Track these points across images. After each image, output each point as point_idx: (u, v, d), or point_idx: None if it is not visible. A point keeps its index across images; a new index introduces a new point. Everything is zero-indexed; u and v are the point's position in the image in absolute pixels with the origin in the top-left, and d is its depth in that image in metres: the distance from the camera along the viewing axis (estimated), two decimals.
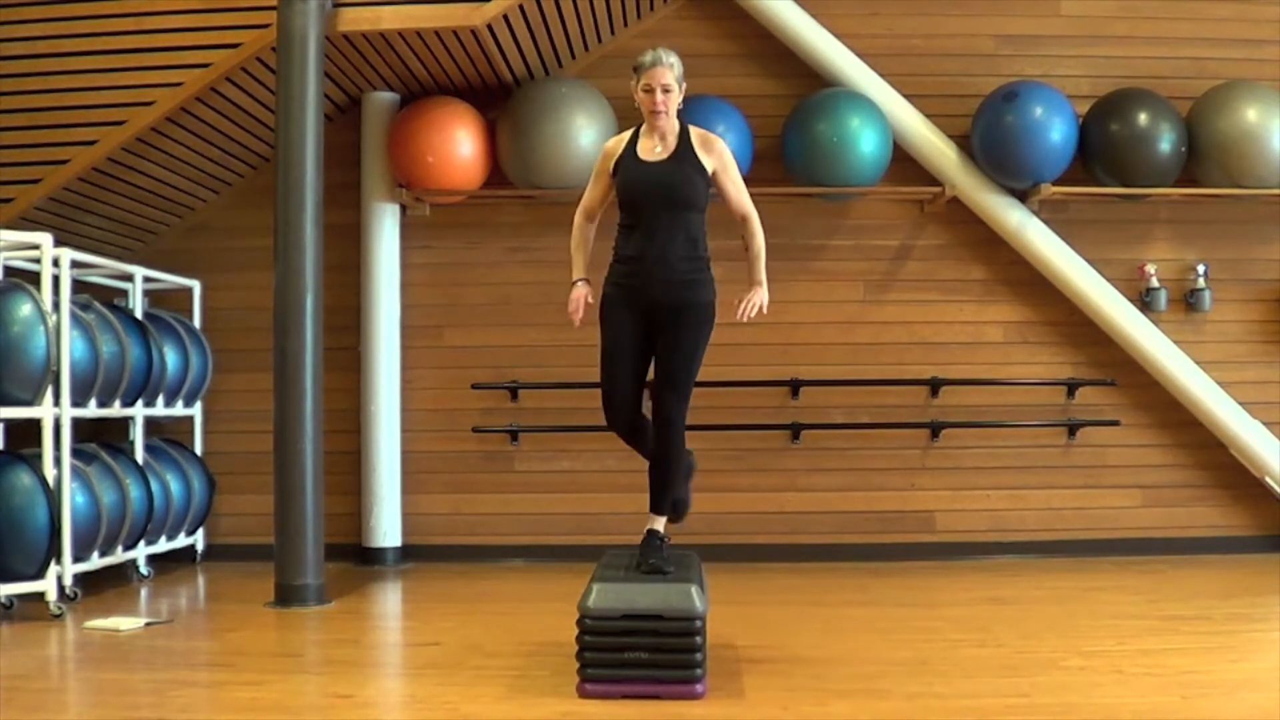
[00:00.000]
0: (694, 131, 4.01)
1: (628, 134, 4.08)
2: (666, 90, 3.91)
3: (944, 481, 6.69)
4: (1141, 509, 6.67)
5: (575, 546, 6.38)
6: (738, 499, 6.67)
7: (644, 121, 4.01)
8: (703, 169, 3.95)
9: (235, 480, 6.66)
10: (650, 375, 4.03)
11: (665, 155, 3.95)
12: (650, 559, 3.91)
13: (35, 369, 4.98)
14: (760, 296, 4.03)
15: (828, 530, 6.66)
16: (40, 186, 5.78)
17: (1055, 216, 6.58)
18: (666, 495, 4.01)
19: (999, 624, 4.82)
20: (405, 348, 6.71)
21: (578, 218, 4.16)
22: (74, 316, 5.32)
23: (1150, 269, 6.61)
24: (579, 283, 4.09)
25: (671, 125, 3.97)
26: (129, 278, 6.15)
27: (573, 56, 6.69)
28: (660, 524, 4.05)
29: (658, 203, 3.92)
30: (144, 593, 5.73)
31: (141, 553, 5.98)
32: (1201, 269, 6.61)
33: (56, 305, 5.15)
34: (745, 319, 3.99)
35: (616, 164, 4.01)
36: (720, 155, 4.00)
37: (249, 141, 6.44)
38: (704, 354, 4.03)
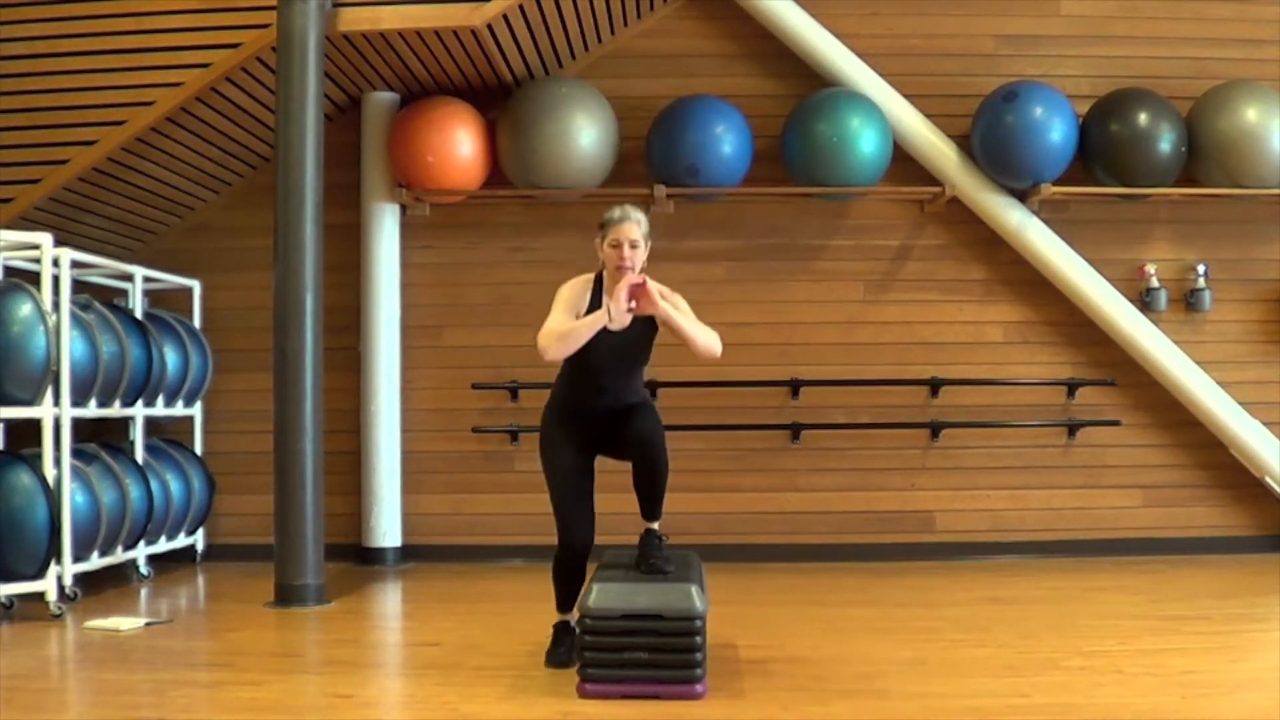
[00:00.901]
0: (653, 289, 3.86)
1: (589, 279, 4.01)
2: (634, 246, 3.90)
3: (944, 481, 6.69)
4: (1141, 509, 6.67)
5: None
6: (738, 499, 6.67)
7: (603, 272, 3.97)
8: (655, 326, 3.95)
9: (235, 480, 6.66)
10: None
11: (627, 323, 3.85)
12: (650, 559, 3.91)
13: (35, 369, 4.98)
14: (658, 290, 3.85)
15: (828, 530, 6.66)
16: (40, 186, 5.78)
17: (1055, 216, 6.58)
18: (658, 503, 3.99)
19: (999, 624, 4.82)
20: (405, 348, 6.71)
21: (545, 335, 3.86)
22: (74, 316, 5.32)
23: (1150, 269, 6.61)
24: (605, 308, 3.85)
25: (655, 288, 3.87)
26: (129, 278, 6.15)
27: (573, 56, 6.69)
28: (657, 524, 4.04)
29: (614, 367, 3.97)
30: (144, 593, 5.73)
31: (141, 553, 5.98)
32: (1201, 269, 6.61)
33: (56, 305, 5.15)
34: (633, 287, 3.80)
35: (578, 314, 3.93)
36: (678, 308, 3.93)
37: (249, 141, 6.44)
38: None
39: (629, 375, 4.04)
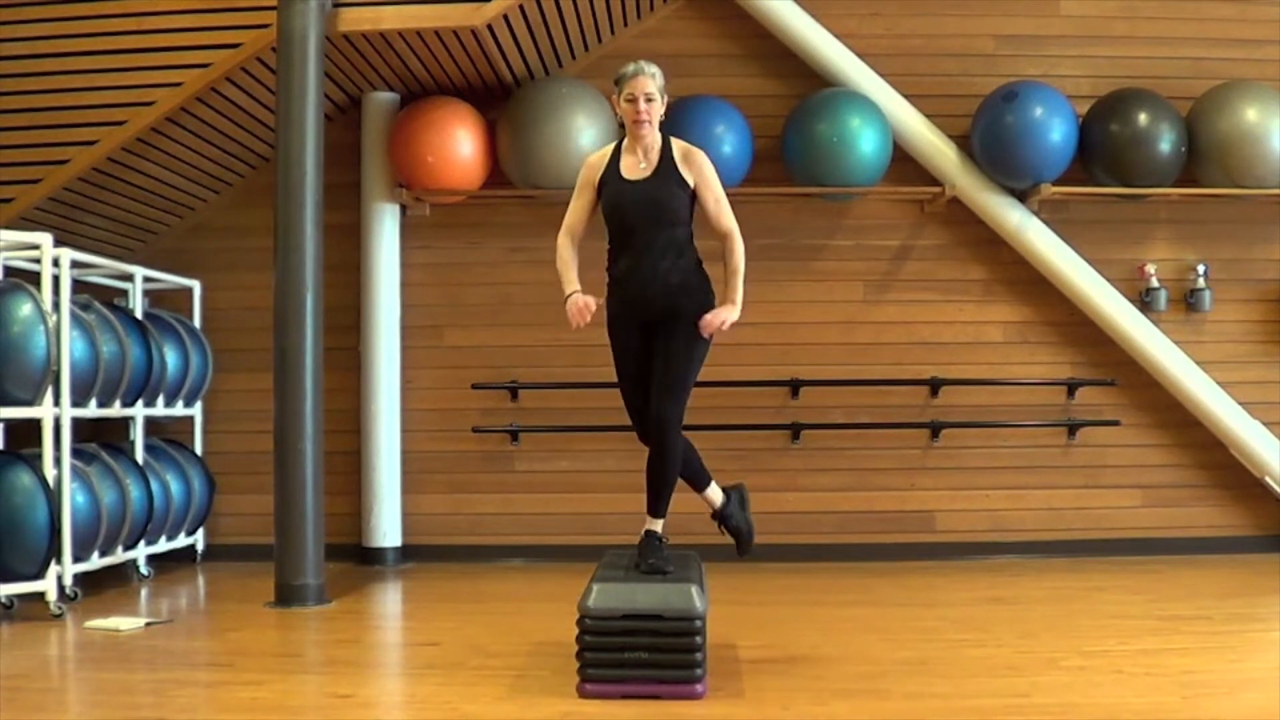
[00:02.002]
0: (675, 145, 4.00)
1: (609, 149, 4.05)
2: (649, 99, 3.90)
3: (944, 481, 6.69)
4: (1141, 509, 6.68)
5: (575, 546, 6.38)
6: None
7: (625, 137, 4.00)
8: (685, 183, 3.94)
9: (235, 480, 6.66)
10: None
11: (649, 171, 3.93)
12: (650, 559, 3.91)
13: (35, 369, 4.98)
14: (730, 314, 3.94)
15: (828, 530, 6.66)
16: (40, 186, 5.78)
17: (1055, 216, 6.58)
18: (663, 497, 4.00)
19: (999, 624, 4.82)
20: (405, 348, 6.71)
21: (561, 238, 4.07)
22: (74, 316, 5.32)
23: (1150, 269, 6.61)
24: (573, 295, 3.99)
25: (654, 138, 3.95)
26: (129, 278, 6.15)
27: (573, 56, 6.69)
28: (658, 525, 4.05)
29: (644, 221, 3.91)
30: (144, 593, 5.73)
31: (141, 553, 5.98)
32: (1201, 269, 6.61)
33: (56, 305, 5.15)
34: (707, 334, 3.94)
35: (600, 181, 3.99)
36: (700, 169, 3.96)
37: (249, 141, 6.44)
38: (702, 358, 4.03)
39: (662, 240, 3.90)
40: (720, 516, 4.26)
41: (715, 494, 4.24)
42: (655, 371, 3.97)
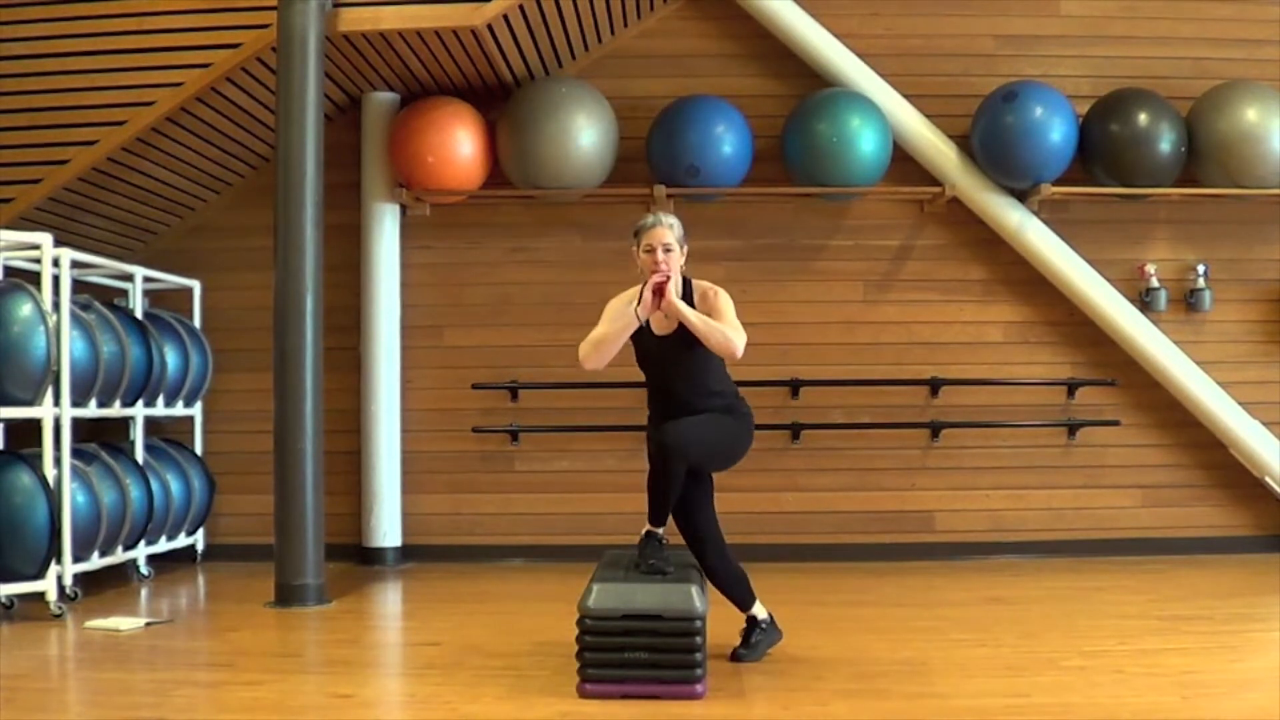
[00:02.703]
0: (696, 289, 4.05)
1: (631, 293, 4.04)
2: (668, 249, 3.94)
3: (944, 481, 6.69)
4: (1141, 509, 6.68)
5: (575, 546, 6.38)
6: (738, 499, 6.60)
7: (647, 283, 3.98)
8: None
9: (235, 480, 6.66)
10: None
11: (672, 326, 3.96)
12: (650, 559, 3.91)
13: (35, 369, 4.98)
14: (676, 298, 3.88)
15: (828, 530, 6.66)
16: (40, 186, 5.78)
17: (1055, 216, 6.58)
18: (662, 510, 3.97)
19: (999, 624, 4.82)
20: (405, 348, 6.71)
21: (584, 349, 3.97)
22: (74, 316, 5.32)
23: (1150, 269, 6.61)
24: (629, 317, 3.93)
25: (676, 286, 3.95)
26: (129, 278, 6.15)
27: (573, 56, 6.69)
28: (659, 527, 4.04)
29: (671, 373, 4.02)
30: (144, 593, 5.73)
31: (141, 553, 5.98)
32: (1201, 269, 6.61)
33: (56, 305, 5.15)
34: (654, 292, 3.86)
35: None
36: (715, 307, 3.99)
37: (249, 141, 6.44)
38: (722, 443, 4.05)
39: (692, 376, 4.01)
40: (753, 625, 4.21)
41: (760, 610, 4.23)
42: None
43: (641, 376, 4.15)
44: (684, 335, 3.95)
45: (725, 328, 3.91)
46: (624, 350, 4.06)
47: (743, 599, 4.18)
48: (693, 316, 3.88)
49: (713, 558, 4.08)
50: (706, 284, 4.09)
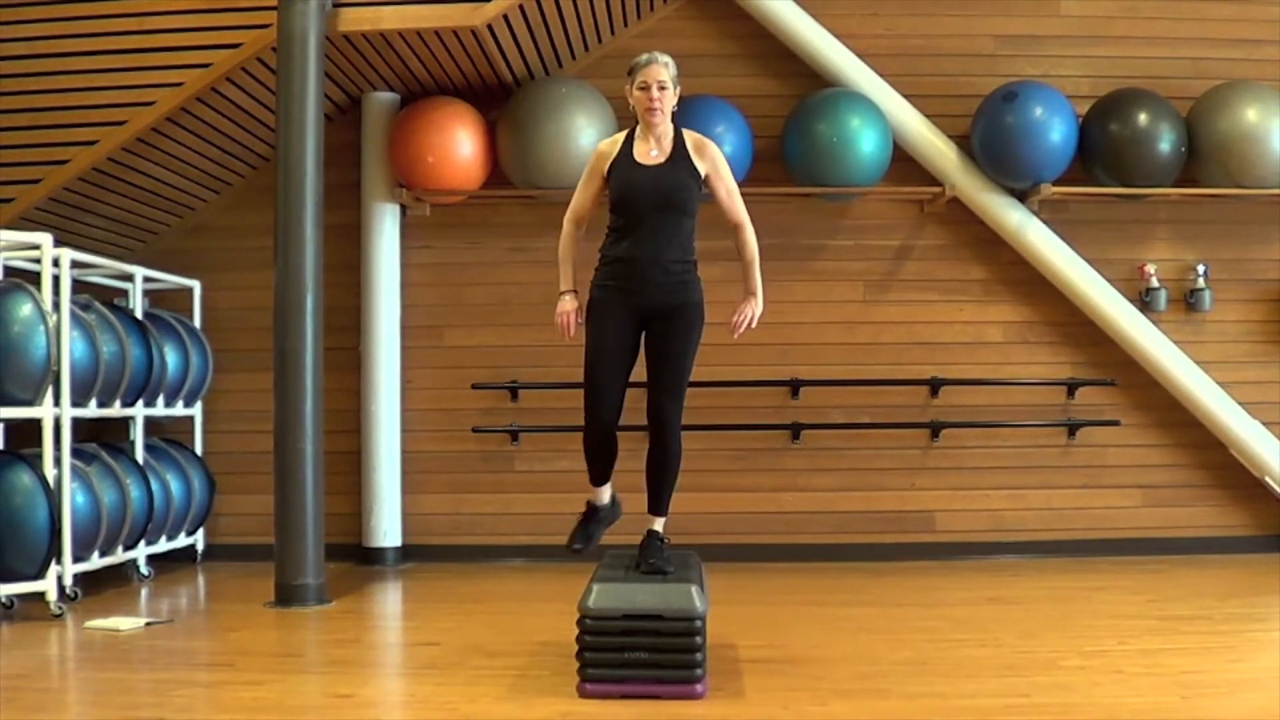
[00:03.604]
0: (688, 135, 4.02)
1: (621, 136, 4.06)
2: (662, 88, 3.92)
3: (944, 481, 6.69)
4: (1141, 509, 6.68)
5: None
6: (738, 499, 6.67)
7: (638, 124, 4.01)
8: (697, 173, 3.97)
9: (235, 480, 6.66)
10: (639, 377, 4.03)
11: (662, 159, 3.95)
12: (650, 559, 3.92)
13: (35, 369, 4.98)
14: (754, 308, 4.05)
15: (828, 530, 6.66)
16: (40, 186, 5.78)
17: (1055, 216, 6.58)
18: (665, 495, 4.01)
19: (999, 624, 4.82)
20: (405, 348, 6.71)
21: (567, 224, 4.12)
22: (74, 316, 5.32)
23: (1150, 269, 6.61)
24: (567, 294, 4.06)
25: (667, 128, 3.97)
26: (129, 278, 6.15)
27: (573, 56, 6.69)
28: (659, 524, 4.05)
29: (654, 206, 3.91)
30: (144, 593, 5.73)
31: (141, 553, 5.98)
32: (1201, 269, 6.61)
33: (56, 305, 5.15)
34: (737, 334, 4.01)
35: (611, 166, 3.99)
36: (714, 160, 4.00)
37: (249, 141, 6.44)
38: (690, 364, 4.03)
39: (669, 227, 3.92)
40: (592, 511, 4.21)
41: (604, 493, 4.20)
42: (655, 370, 3.97)
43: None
44: (679, 172, 3.91)
45: (754, 252, 4.14)
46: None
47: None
48: (760, 289, 4.11)
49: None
50: (697, 135, 4.02)
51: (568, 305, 4.06)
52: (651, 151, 3.96)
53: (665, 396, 3.94)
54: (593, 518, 4.18)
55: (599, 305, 3.98)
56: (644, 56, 3.97)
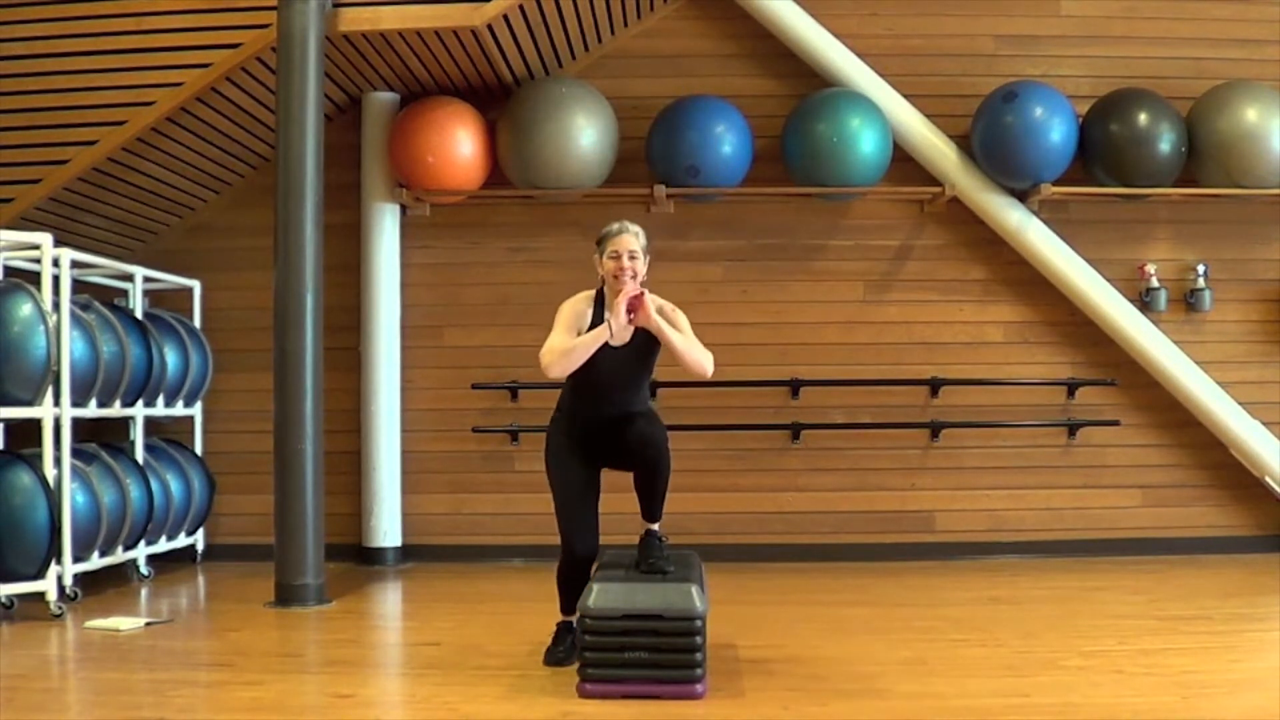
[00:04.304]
0: (652, 304, 3.90)
1: (589, 297, 4.02)
2: (633, 257, 3.92)
3: (944, 481, 6.69)
4: (1141, 509, 6.68)
5: None
6: (738, 499, 6.67)
7: (603, 288, 3.98)
8: (657, 340, 3.93)
9: (235, 480, 6.66)
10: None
11: (627, 337, 3.90)
12: (650, 559, 3.92)
13: (35, 369, 4.98)
14: (652, 310, 3.84)
15: (828, 530, 6.66)
16: (40, 186, 5.78)
17: (1055, 216, 6.58)
18: (657, 505, 3.99)
19: (999, 624, 4.82)
20: (405, 348, 6.71)
21: (548, 357, 3.87)
22: (74, 316, 5.32)
23: (1150, 269, 6.61)
24: (601, 329, 3.88)
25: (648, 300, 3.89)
26: (129, 278, 6.15)
27: (573, 56, 6.69)
28: (657, 524, 4.05)
29: (618, 383, 3.98)
30: (144, 593, 5.73)
31: (141, 553, 5.98)
32: (1201, 269, 6.61)
33: (56, 305, 5.16)
34: (628, 309, 3.82)
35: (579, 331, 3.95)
36: (675, 322, 3.97)
37: (249, 141, 6.44)
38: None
39: (633, 388, 4.04)
40: (565, 626, 4.19)
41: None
42: (630, 437, 3.93)
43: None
44: (642, 347, 3.94)
45: (700, 347, 3.93)
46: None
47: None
48: (670, 332, 3.87)
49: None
50: (660, 299, 4.01)
51: (615, 323, 3.85)
52: (625, 330, 3.89)
53: (646, 426, 3.93)
54: (568, 631, 4.15)
55: (560, 452, 4.08)
56: (614, 226, 3.98)
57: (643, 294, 3.84)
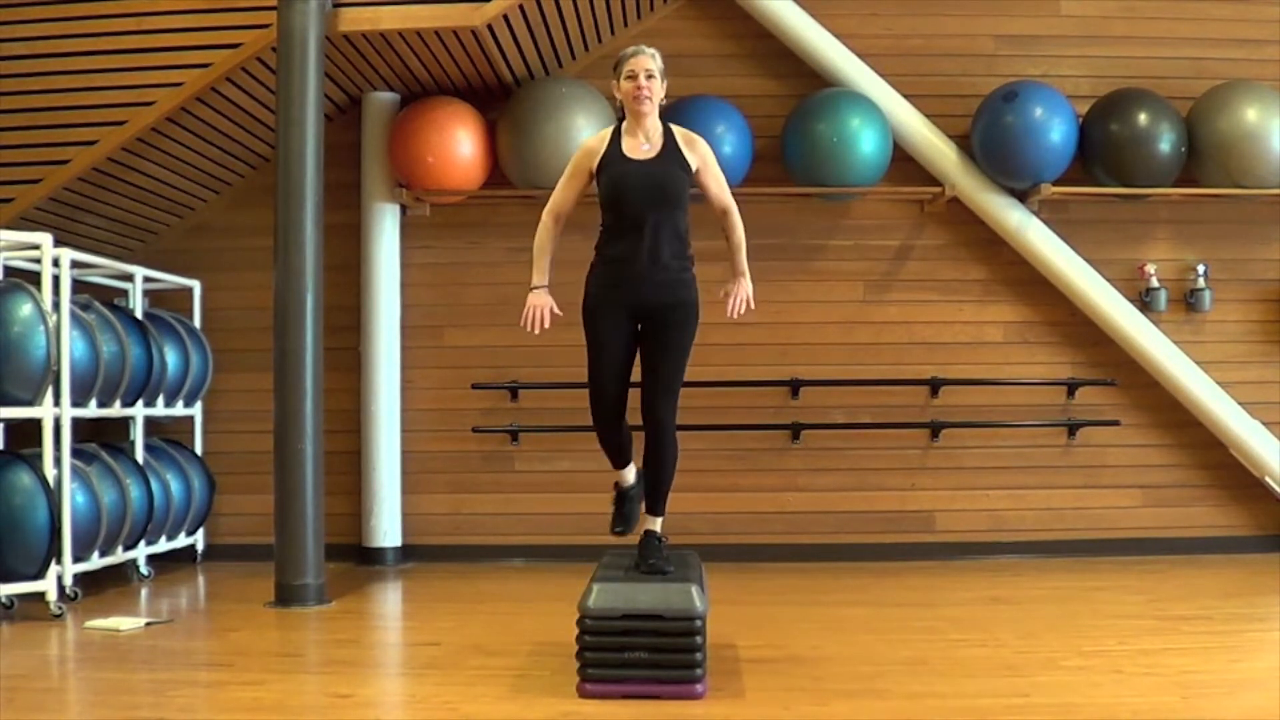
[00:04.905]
0: (677, 131, 4.00)
1: (607, 132, 4.03)
2: (650, 76, 3.89)
3: (944, 481, 6.69)
4: (1141, 509, 6.68)
5: (575, 546, 6.38)
6: (738, 499, 6.67)
7: (624, 120, 3.98)
8: (688, 166, 3.94)
9: (235, 480, 6.66)
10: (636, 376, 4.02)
11: (653, 153, 3.92)
12: (650, 559, 3.92)
13: (35, 369, 4.98)
14: (746, 288, 4.01)
15: (828, 530, 6.66)
16: (40, 186, 5.78)
17: (1055, 216, 6.58)
18: (662, 495, 4.01)
19: (999, 624, 4.82)
20: (405, 348, 6.71)
21: (546, 218, 4.07)
22: (74, 316, 5.32)
23: (1150, 269, 6.61)
24: (539, 289, 4.02)
25: (655, 121, 3.95)
26: (129, 278, 6.15)
27: (573, 56, 6.69)
28: (658, 524, 4.05)
29: (648, 201, 3.88)
30: (144, 593, 5.73)
31: (141, 553, 5.98)
32: (1201, 269, 6.61)
33: (56, 305, 5.15)
34: (735, 315, 3.96)
35: (600, 162, 3.96)
36: (704, 155, 3.99)
37: (249, 141, 6.44)
38: (686, 361, 4.02)
39: (665, 222, 3.89)
40: (622, 494, 4.19)
41: (629, 473, 4.18)
42: (650, 368, 3.95)
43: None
44: (670, 164, 3.88)
45: (742, 235, 4.09)
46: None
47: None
48: (747, 269, 4.07)
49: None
50: (685, 130, 4.00)
51: (539, 300, 4.01)
52: (642, 145, 3.93)
53: (659, 397, 3.93)
54: (625, 498, 4.16)
55: (595, 305, 3.98)
56: (630, 49, 3.95)
57: (737, 299, 4.00)
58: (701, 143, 4.00)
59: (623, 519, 4.13)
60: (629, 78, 3.90)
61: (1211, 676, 3.89)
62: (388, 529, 6.60)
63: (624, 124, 3.99)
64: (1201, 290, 6.60)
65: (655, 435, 3.94)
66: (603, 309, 3.96)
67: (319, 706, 3.71)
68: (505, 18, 5.72)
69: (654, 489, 4.01)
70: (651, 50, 3.94)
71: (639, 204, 3.88)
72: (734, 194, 6.45)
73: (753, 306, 4.01)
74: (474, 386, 6.70)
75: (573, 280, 4.13)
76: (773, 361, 6.67)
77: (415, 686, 4.00)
